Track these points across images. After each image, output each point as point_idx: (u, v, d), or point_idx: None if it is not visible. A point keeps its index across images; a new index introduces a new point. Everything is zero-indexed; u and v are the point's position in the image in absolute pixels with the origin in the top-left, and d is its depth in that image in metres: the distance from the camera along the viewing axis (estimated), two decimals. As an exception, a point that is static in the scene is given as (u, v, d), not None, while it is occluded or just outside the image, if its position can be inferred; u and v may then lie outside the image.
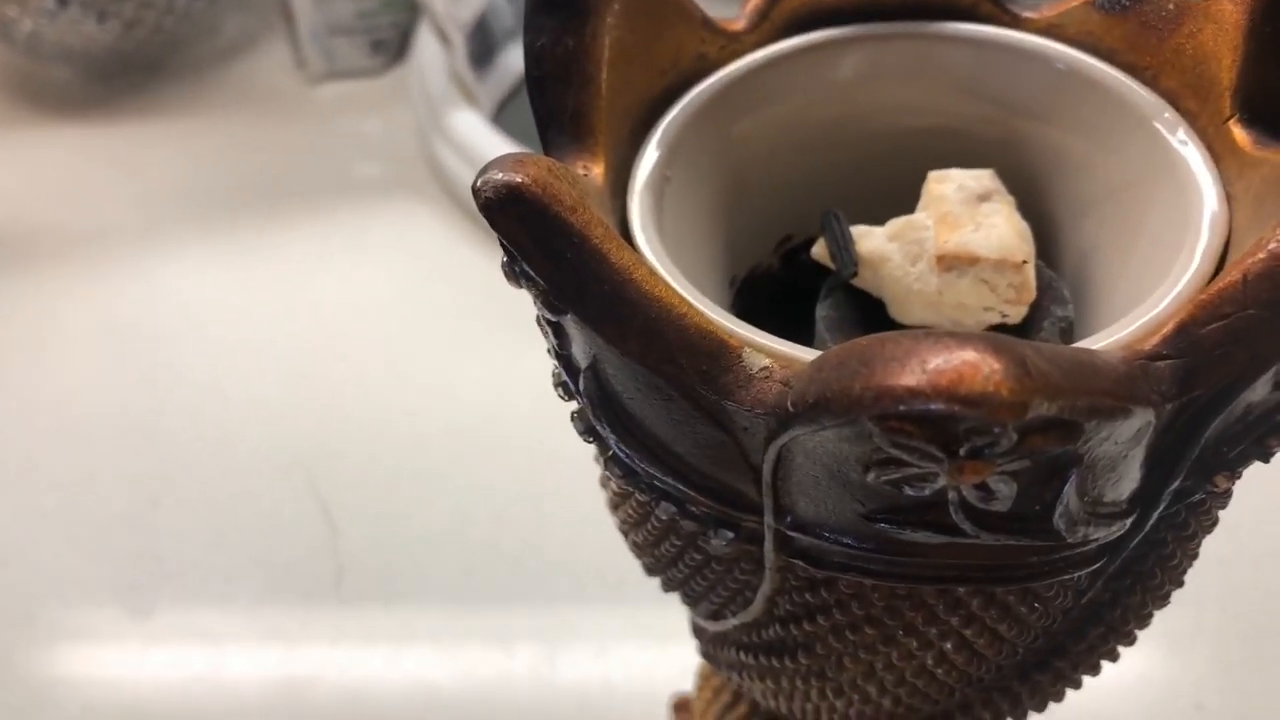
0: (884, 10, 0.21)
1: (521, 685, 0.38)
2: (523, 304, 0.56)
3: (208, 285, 0.53)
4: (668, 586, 0.21)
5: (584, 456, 0.44)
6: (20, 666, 0.39)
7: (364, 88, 0.62)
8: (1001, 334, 0.12)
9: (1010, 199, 0.19)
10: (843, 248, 0.19)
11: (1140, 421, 0.13)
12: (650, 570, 0.20)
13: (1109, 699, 0.36)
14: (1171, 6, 0.18)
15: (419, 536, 0.42)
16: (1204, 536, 0.18)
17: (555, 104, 0.18)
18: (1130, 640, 0.20)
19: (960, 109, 0.21)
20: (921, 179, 0.20)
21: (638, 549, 0.20)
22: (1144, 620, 0.19)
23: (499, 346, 0.48)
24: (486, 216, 0.14)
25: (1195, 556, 0.19)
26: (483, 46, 0.53)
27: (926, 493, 0.13)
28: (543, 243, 0.15)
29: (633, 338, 0.15)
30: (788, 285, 0.22)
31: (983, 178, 0.19)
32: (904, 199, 0.20)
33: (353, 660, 0.39)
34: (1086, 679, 0.20)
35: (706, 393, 0.15)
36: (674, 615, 0.39)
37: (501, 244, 0.15)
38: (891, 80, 0.21)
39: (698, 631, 0.23)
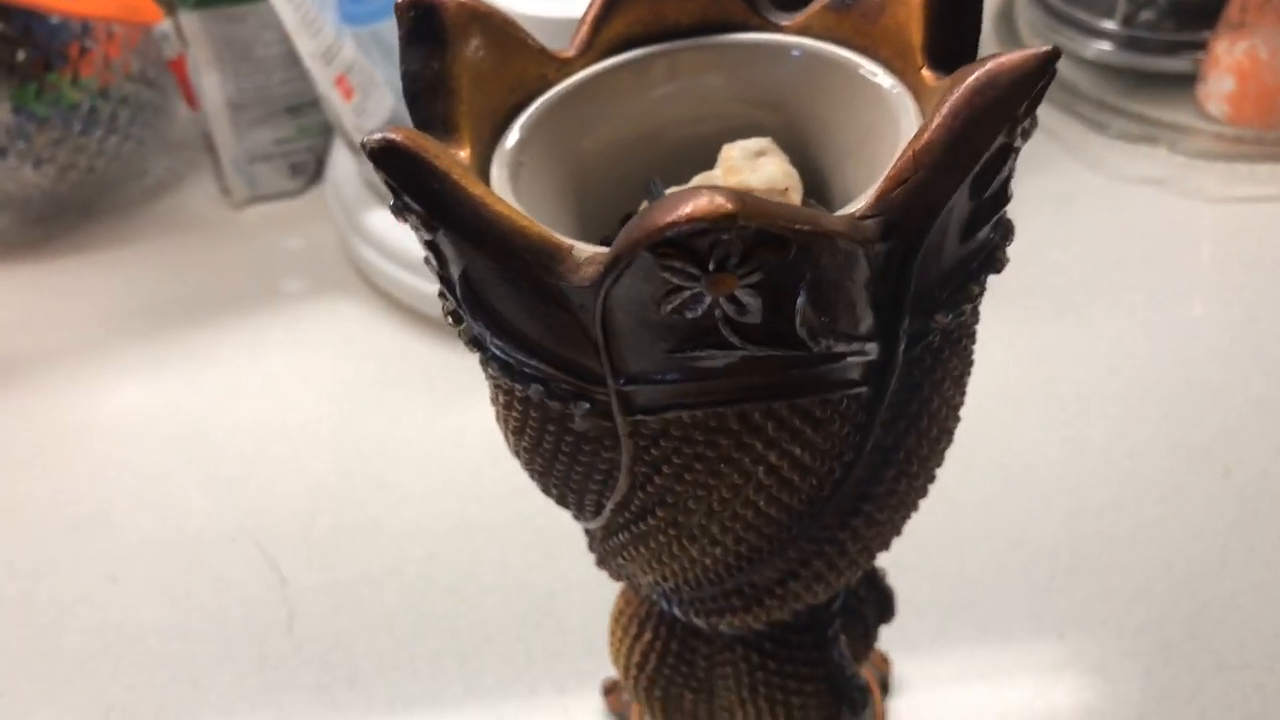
0: (677, 33, 0.27)
1: (462, 702, 0.42)
2: (439, 374, 0.61)
3: (150, 391, 0.57)
4: (557, 492, 0.25)
5: (505, 494, 0.48)
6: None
7: (285, 208, 0.68)
8: (736, 188, 0.18)
9: (782, 154, 0.25)
10: (660, 201, 0.25)
11: (845, 249, 0.19)
12: (541, 476, 0.25)
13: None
14: (878, 0, 0.24)
15: (360, 578, 0.46)
16: (951, 385, 0.24)
17: (428, 112, 0.24)
18: (921, 487, 0.25)
19: (741, 93, 0.27)
20: (719, 146, 0.26)
21: (526, 454, 0.25)
22: (926, 463, 0.24)
23: (420, 409, 0.53)
24: (373, 162, 0.20)
25: (953, 404, 0.24)
26: (389, 154, 0.59)
27: (700, 313, 0.19)
28: (416, 179, 0.20)
29: (489, 245, 0.20)
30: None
31: (760, 142, 0.25)
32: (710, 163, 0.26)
33: (309, 697, 0.42)
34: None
35: (549, 279, 0.20)
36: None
37: (386, 184, 0.20)
38: (688, 80, 0.27)
39: (591, 542, 0.27)
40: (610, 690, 0.40)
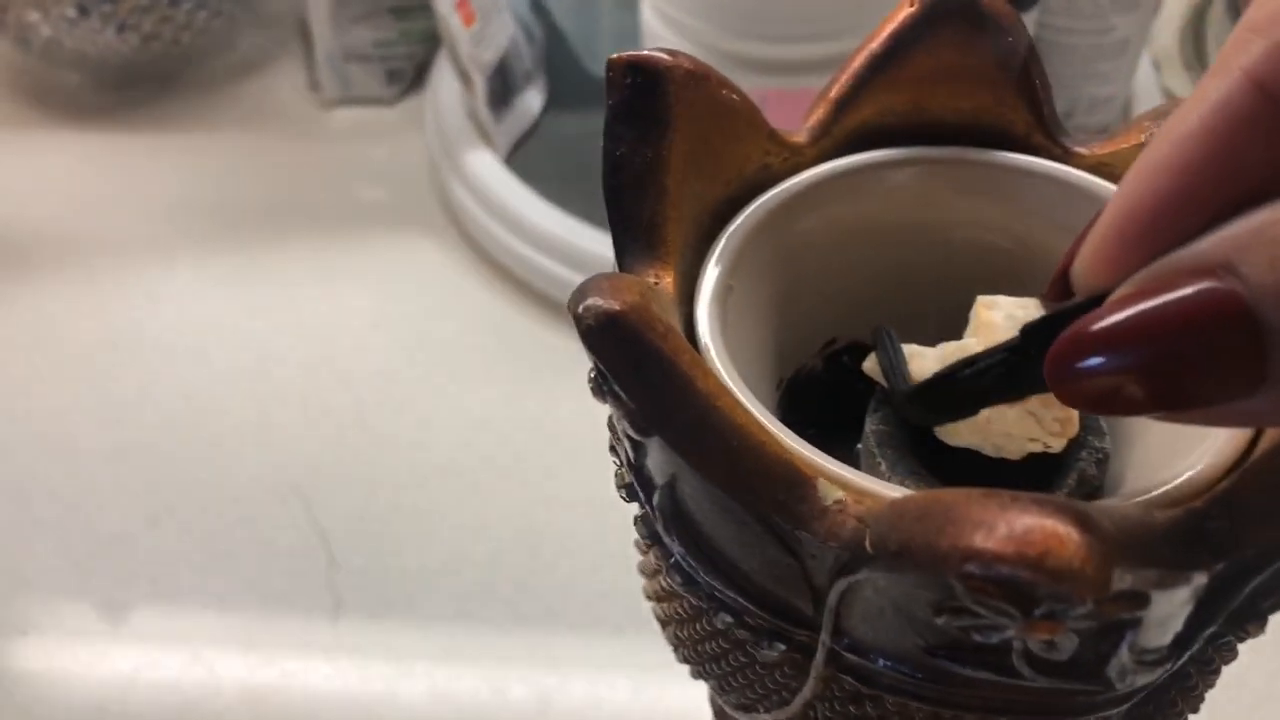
0: (939, 132, 0.22)
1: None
2: (524, 340, 0.55)
3: (207, 302, 0.53)
4: (698, 675, 0.21)
5: (581, 501, 0.44)
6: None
7: (376, 115, 0.62)
8: (1077, 502, 0.13)
9: (1054, 328, 0.20)
10: (895, 367, 0.20)
11: (1196, 585, 0.14)
12: (685, 659, 0.21)
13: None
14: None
15: (415, 572, 0.42)
16: (1223, 666, 0.19)
17: (631, 212, 0.19)
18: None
19: (1007, 229, 0.21)
20: (964, 291, 0.20)
21: (678, 641, 0.20)
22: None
23: (500, 382, 0.48)
24: (586, 341, 0.15)
25: (1212, 686, 0.20)
26: (501, 88, 0.53)
27: (994, 640, 0.14)
28: (636, 368, 0.15)
29: (714, 464, 0.15)
30: (830, 386, 0.23)
31: (1029, 306, 0.20)
32: (949, 310, 0.21)
33: (347, 692, 0.39)
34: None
35: (781, 521, 0.15)
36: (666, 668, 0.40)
37: (595, 364, 0.15)
38: (942, 200, 0.22)
39: (719, 713, 0.23)
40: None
